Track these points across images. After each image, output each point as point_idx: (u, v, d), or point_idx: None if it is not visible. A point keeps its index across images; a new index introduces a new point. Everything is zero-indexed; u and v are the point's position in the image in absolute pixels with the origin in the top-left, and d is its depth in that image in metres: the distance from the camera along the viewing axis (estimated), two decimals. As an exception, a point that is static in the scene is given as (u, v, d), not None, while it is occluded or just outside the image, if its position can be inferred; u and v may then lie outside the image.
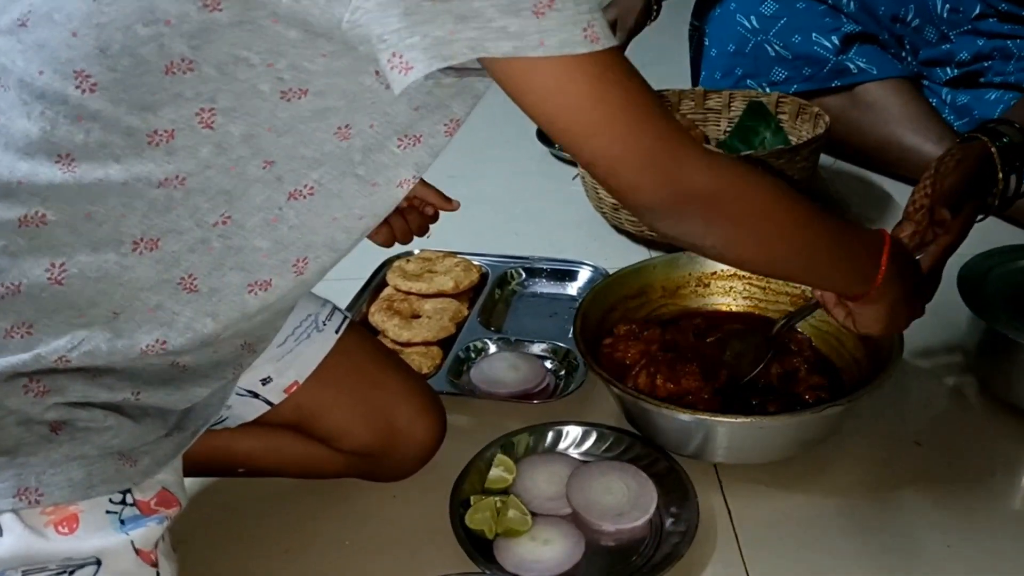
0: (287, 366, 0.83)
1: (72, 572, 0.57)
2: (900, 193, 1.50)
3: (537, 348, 1.12)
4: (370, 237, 0.86)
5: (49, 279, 0.57)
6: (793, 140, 1.47)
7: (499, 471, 0.91)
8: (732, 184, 0.64)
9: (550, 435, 0.97)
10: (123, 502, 0.61)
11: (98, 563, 0.58)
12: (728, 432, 0.86)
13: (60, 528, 0.57)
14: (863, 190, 1.54)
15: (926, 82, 1.55)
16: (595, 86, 0.56)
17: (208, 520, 0.90)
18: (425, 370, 1.10)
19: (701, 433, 0.88)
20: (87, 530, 0.58)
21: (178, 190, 0.58)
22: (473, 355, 1.13)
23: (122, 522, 0.60)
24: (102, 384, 0.60)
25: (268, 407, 0.84)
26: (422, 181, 0.88)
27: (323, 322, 0.86)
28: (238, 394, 0.81)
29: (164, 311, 0.61)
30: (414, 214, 0.95)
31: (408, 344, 1.15)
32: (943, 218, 0.90)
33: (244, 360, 0.72)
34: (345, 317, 0.90)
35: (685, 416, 0.85)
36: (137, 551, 0.59)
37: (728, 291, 1.11)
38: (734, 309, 1.10)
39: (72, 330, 0.58)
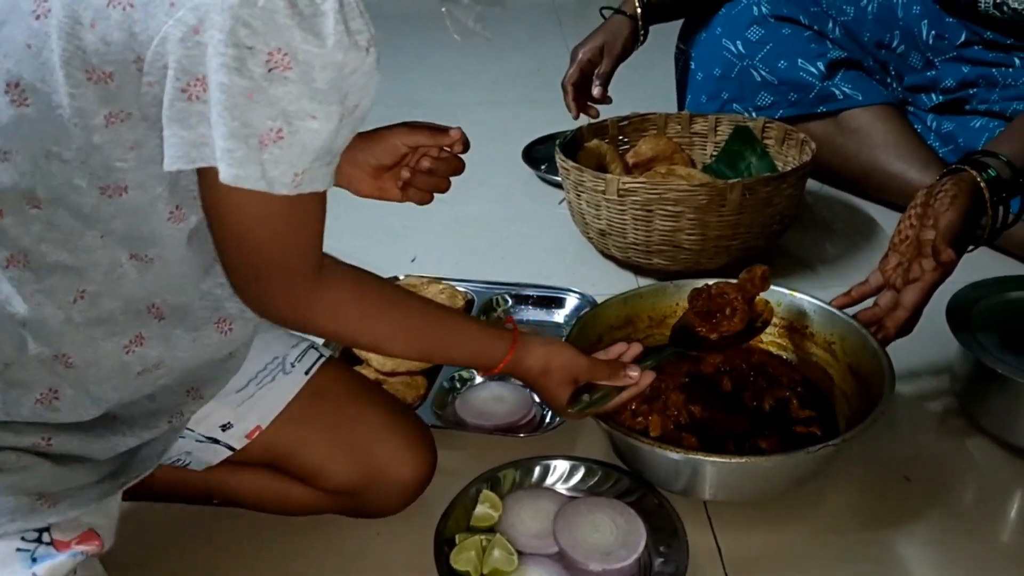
0: (248, 410, 0.81)
1: None
2: (885, 218, 1.50)
3: (523, 378, 1.11)
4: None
5: None
6: (779, 165, 1.47)
7: (485, 508, 0.89)
8: (353, 324, 0.72)
9: (537, 470, 0.95)
10: (38, 540, 0.62)
11: None
12: (719, 472, 0.85)
13: None
14: (848, 215, 1.54)
15: (911, 108, 1.56)
16: (288, 222, 0.60)
17: (185, 556, 0.88)
18: (409, 400, 1.08)
19: (691, 471, 0.86)
20: None
21: (26, 270, 0.61)
22: (459, 385, 1.12)
23: (33, 560, 0.61)
24: (9, 429, 0.62)
25: (230, 451, 0.82)
26: (407, 127, 0.86)
27: (291, 364, 0.85)
28: (198, 440, 0.81)
29: (53, 377, 0.63)
30: (418, 177, 0.88)
31: (392, 374, 1.13)
32: (950, 259, 0.89)
33: (187, 407, 0.73)
34: (321, 356, 0.88)
35: (675, 455, 0.83)
36: None
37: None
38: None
39: None
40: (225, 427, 0.81)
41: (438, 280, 1.30)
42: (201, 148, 0.54)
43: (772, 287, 1.06)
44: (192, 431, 0.80)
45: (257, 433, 0.81)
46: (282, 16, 0.52)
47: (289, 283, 0.64)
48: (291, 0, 0.52)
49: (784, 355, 1.06)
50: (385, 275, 1.29)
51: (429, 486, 0.91)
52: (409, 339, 0.76)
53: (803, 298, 1.04)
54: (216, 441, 0.82)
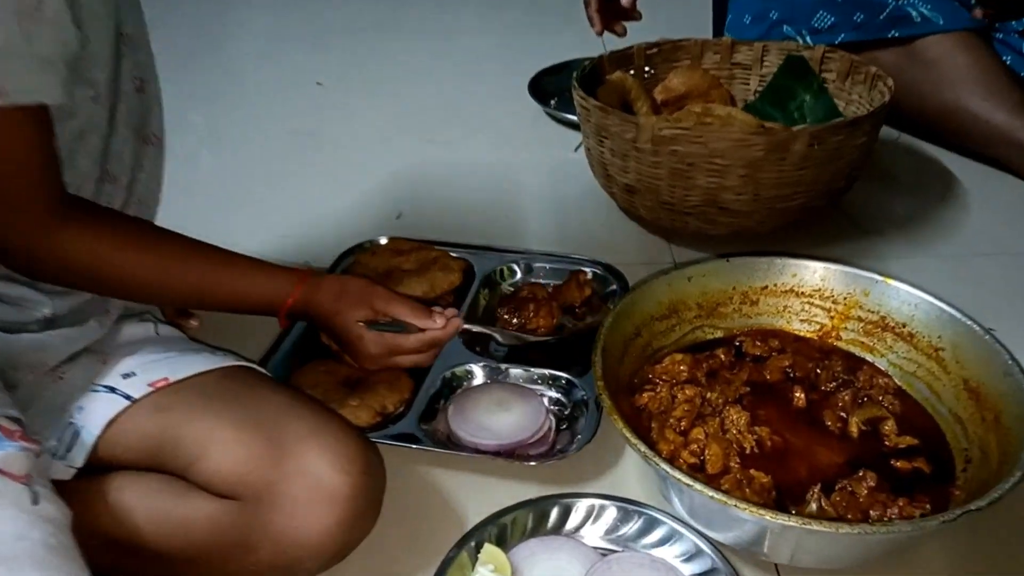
0: (158, 368, 0.72)
1: None
2: (966, 171, 1.25)
3: (536, 375, 0.88)
4: None
5: None
6: (841, 106, 1.21)
7: (487, 572, 0.67)
8: (99, 263, 0.67)
9: (555, 512, 0.73)
10: None
11: None
12: (818, 540, 0.62)
13: None
14: (920, 167, 1.30)
15: (999, 35, 1.29)
16: None
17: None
18: (391, 408, 0.85)
19: (770, 533, 0.64)
20: None
21: None
22: (454, 384, 0.89)
23: None
24: None
25: (127, 402, 0.69)
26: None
27: (221, 354, 0.76)
28: (93, 390, 0.71)
29: None
30: None
31: (369, 370, 0.90)
32: None
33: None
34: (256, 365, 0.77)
35: (747, 515, 0.61)
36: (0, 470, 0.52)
37: (781, 311, 0.86)
38: (798, 333, 0.86)
39: None
40: (128, 375, 0.71)
41: (430, 245, 1.06)
42: None
43: (855, 270, 0.84)
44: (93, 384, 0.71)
45: (163, 384, 0.70)
46: None
47: (18, 214, 0.62)
48: None
49: (869, 359, 0.83)
50: (365, 236, 1.08)
51: (413, 535, 0.69)
52: (169, 279, 0.71)
53: (899, 287, 0.81)
54: (113, 390, 0.70)
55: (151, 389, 0.69)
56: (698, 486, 0.62)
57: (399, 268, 1.04)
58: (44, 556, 0.49)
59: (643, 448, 0.65)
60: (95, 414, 0.69)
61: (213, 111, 1.60)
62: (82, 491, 0.66)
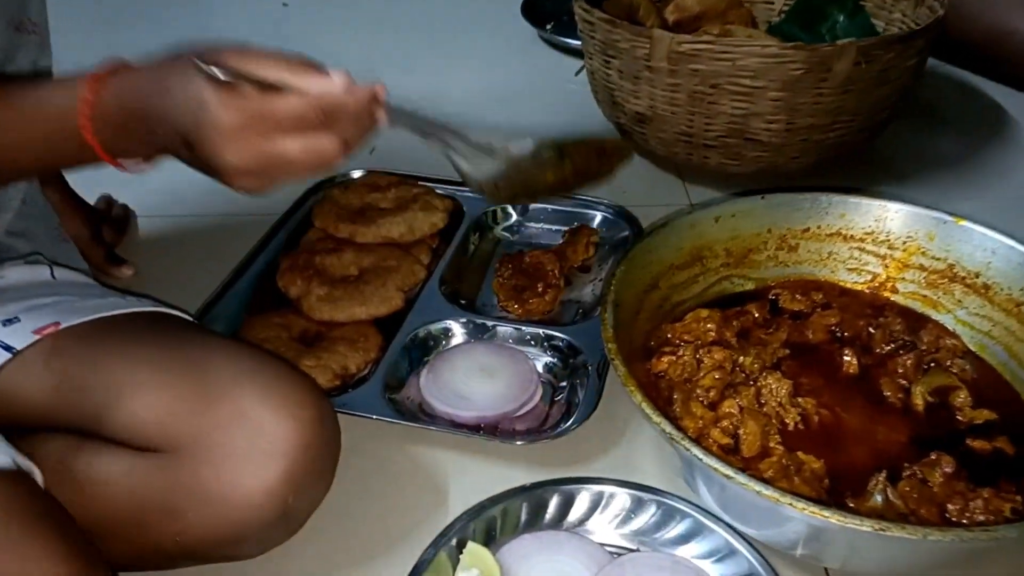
0: (49, 313, 0.58)
1: None
2: (1017, 105, 1.11)
3: (528, 335, 0.74)
4: None
5: None
6: (880, 26, 1.06)
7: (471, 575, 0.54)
8: None
9: (554, 502, 0.59)
10: None
11: None
12: (884, 545, 0.49)
13: None
14: (962, 100, 1.16)
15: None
16: None
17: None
18: (353, 369, 0.72)
19: (819, 534, 0.51)
20: None
21: None
22: (430, 344, 0.75)
23: None
24: None
25: (7, 355, 0.55)
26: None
27: (132, 299, 0.62)
28: None
29: None
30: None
31: (331, 325, 0.76)
32: None
33: None
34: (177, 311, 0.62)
35: (797, 513, 0.47)
36: None
37: (825, 258, 0.72)
38: (845, 284, 0.72)
39: None
40: (9, 321, 0.57)
41: (411, 179, 0.91)
42: None
43: (917, 208, 0.70)
44: None
45: (51, 330, 0.57)
46: None
47: None
48: None
49: (934, 315, 0.69)
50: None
51: (386, 528, 0.56)
52: None
53: (973, 228, 0.67)
54: None
55: (36, 337, 0.56)
56: (742, 478, 0.48)
57: (374, 206, 0.89)
58: None
59: (668, 427, 0.51)
60: None
61: (169, 33, 1.43)
62: None
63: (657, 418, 0.52)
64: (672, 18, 1.12)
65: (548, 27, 1.33)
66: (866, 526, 0.45)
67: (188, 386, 0.53)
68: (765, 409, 0.60)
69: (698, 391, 0.61)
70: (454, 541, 0.56)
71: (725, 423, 0.58)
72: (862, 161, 0.99)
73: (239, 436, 0.51)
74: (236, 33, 1.46)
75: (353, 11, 1.51)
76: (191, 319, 0.63)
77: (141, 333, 0.58)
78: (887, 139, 1.02)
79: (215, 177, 0.47)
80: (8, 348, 0.56)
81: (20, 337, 0.56)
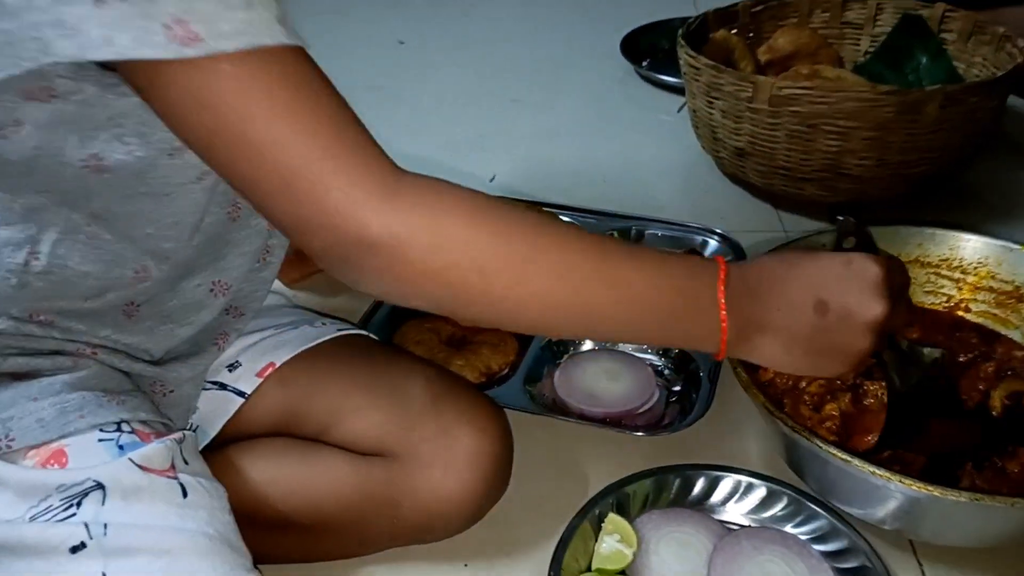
0: (262, 353, 0.68)
1: (79, 502, 0.50)
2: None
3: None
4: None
5: None
6: (961, 69, 1.14)
7: (614, 543, 0.65)
8: (425, 229, 0.46)
9: (676, 484, 0.70)
10: (118, 429, 0.54)
11: (100, 486, 0.51)
12: (943, 509, 0.59)
13: (50, 465, 0.52)
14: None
15: None
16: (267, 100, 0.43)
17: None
18: (495, 368, 0.84)
19: (903, 504, 0.61)
20: (79, 460, 0.52)
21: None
22: (561, 349, 0.86)
23: (120, 448, 0.53)
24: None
25: (241, 399, 0.66)
26: None
27: (321, 323, 0.72)
28: (204, 389, 0.67)
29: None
30: None
31: (474, 330, 0.88)
32: None
33: (230, 327, 0.65)
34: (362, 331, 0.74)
35: (882, 481, 0.57)
36: (142, 467, 0.52)
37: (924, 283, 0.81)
38: (924, 304, 0.81)
39: None
40: (233, 366, 0.67)
41: (535, 204, 1.03)
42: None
43: (986, 238, 0.79)
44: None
45: (270, 370, 0.67)
46: None
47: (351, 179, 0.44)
48: None
49: (1003, 331, 0.78)
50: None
51: (526, 499, 0.68)
52: (572, 291, 0.49)
53: (1049, 255, 0.76)
54: (224, 387, 0.67)
55: (260, 380, 0.67)
56: (857, 461, 0.58)
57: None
58: (205, 545, 0.50)
59: (789, 423, 0.62)
60: (211, 415, 0.67)
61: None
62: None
63: (779, 415, 0.62)
64: (764, 58, 1.22)
65: (644, 64, 1.44)
66: (964, 497, 0.55)
67: (396, 408, 0.65)
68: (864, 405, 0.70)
69: (805, 397, 0.71)
70: (597, 511, 0.67)
71: (829, 424, 0.68)
72: (948, 193, 1.07)
73: (443, 448, 0.63)
74: (353, 66, 1.61)
75: (464, 50, 1.64)
76: (373, 338, 0.74)
77: (345, 359, 0.69)
78: (973, 172, 1.10)
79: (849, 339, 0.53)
80: (240, 394, 0.66)
81: (247, 382, 0.66)
